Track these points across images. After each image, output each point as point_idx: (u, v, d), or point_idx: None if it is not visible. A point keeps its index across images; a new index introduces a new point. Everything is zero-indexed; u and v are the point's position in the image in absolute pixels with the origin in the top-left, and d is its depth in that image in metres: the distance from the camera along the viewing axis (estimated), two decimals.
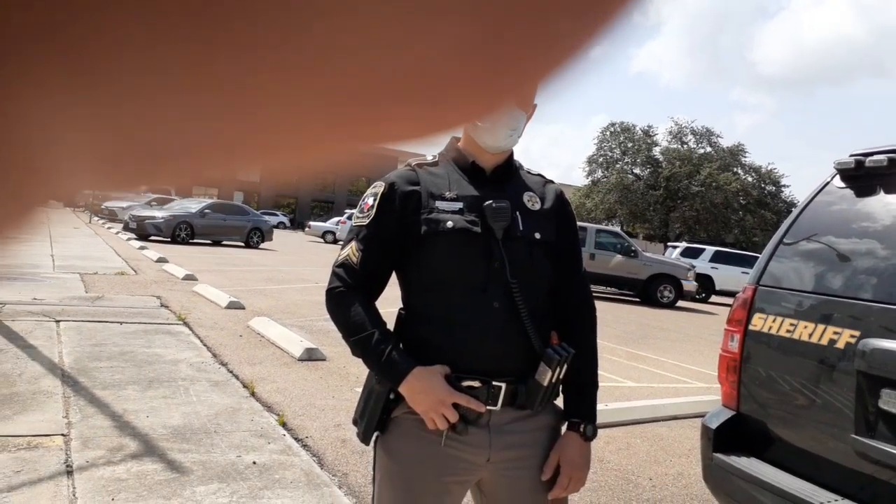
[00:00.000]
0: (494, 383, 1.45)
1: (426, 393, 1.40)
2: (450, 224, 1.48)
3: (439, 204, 1.51)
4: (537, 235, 1.53)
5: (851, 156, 2.84)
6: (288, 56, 0.16)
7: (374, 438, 1.53)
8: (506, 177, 1.58)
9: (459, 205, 1.50)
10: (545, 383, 1.46)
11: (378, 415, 1.49)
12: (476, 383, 1.44)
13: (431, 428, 1.43)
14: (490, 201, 1.49)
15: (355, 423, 1.55)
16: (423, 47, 0.16)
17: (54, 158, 0.18)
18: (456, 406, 1.41)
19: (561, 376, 1.50)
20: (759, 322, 2.90)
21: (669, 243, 27.85)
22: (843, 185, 2.90)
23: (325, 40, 0.15)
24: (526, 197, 1.57)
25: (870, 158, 2.76)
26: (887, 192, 2.75)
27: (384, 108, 0.18)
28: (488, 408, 1.45)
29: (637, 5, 0.17)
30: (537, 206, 1.57)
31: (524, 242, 1.51)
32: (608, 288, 16.19)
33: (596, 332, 1.65)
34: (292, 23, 0.15)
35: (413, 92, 0.17)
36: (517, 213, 1.52)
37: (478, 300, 1.47)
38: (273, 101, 0.17)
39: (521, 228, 1.51)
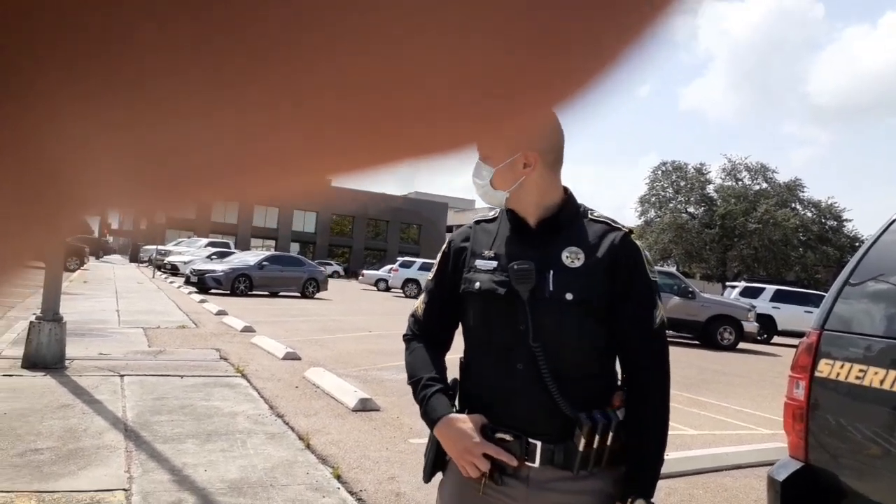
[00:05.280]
0: (530, 440, 1.44)
1: (454, 440, 1.45)
2: (477, 285, 1.50)
3: (477, 262, 1.52)
4: (569, 296, 1.43)
5: None
6: (326, 79, 0.16)
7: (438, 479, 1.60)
8: (553, 230, 1.50)
9: (494, 264, 1.49)
10: (581, 448, 1.41)
11: (434, 455, 1.55)
12: (508, 437, 1.45)
13: (464, 475, 1.46)
14: (513, 263, 1.45)
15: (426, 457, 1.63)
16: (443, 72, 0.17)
17: (89, 181, 0.19)
18: (492, 457, 1.44)
19: (608, 443, 1.42)
20: (825, 368, 2.78)
21: (728, 283, 27.04)
22: None
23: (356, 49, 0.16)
24: (566, 254, 1.47)
25: None
26: None
27: (412, 123, 0.18)
28: (527, 463, 1.44)
29: (653, 33, 0.17)
30: (577, 263, 1.46)
31: (554, 304, 1.44)
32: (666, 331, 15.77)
33: (661, 397, 1.49)
34: (331, 54, 0.16)
35: (441, 107, 0.18)
36: (550, 272, 1.45)
37: (504, 361, 1.48)
38: (311, 120, 0.17)
39: (550, 289, 1.44)
